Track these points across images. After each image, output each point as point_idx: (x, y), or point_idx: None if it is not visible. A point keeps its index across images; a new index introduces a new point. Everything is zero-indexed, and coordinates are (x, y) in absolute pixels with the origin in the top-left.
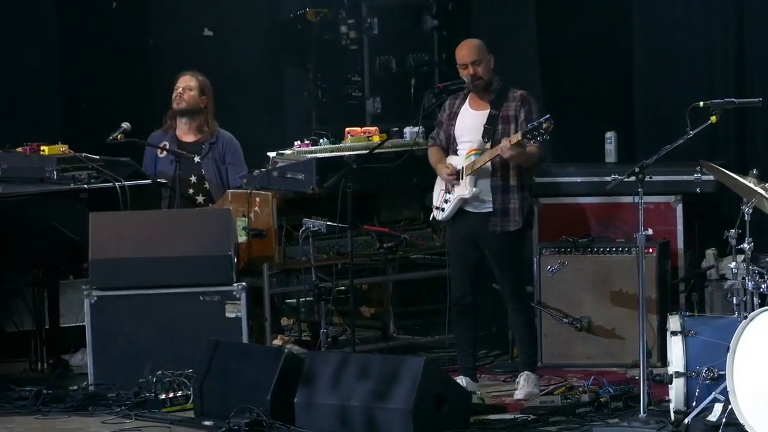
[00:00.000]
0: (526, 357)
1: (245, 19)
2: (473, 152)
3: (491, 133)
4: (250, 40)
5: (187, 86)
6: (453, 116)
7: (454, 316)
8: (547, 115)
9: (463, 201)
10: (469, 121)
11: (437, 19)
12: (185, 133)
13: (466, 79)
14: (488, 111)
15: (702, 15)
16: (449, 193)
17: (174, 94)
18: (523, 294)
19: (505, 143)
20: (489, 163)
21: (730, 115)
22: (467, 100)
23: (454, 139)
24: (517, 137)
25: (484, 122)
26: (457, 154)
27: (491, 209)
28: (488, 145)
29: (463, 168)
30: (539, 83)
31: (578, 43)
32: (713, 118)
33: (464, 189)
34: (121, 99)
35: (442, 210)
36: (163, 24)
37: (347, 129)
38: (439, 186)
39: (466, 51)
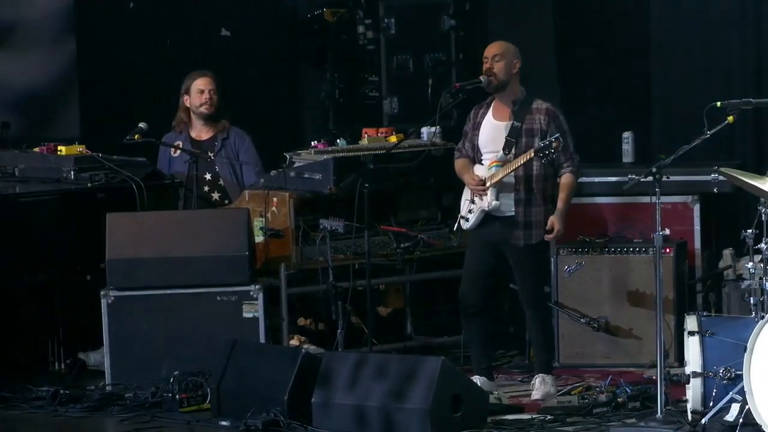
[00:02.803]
0: (541, 361)
1: (262, 19)
2: (494, 164)
3: (513, 145)
4: (268, 40)
5: (212, 89)
6: (477, 126)
7: (463, 322)
8: (557, 134)
9: (485, 213)
10: (492, 132)
11: (454, 19)
12: (200, 132)
13: (483, 79)
14: (510, 122)
15: (720, 15)
16: (473, 203)
17: (201, 99)
18: (541, 300)
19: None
20: (512, 175)
21: (747, 115)
22: (491, 110)
23: (478, 149)
24: (529, 155)
25: (506, 134)
26: (482, 164)
27: (513, 213)
28: (510, 157)
29: (485, 179)
30: (557, 84)
31: (596, 44)
32: (730, 118)
33: (486, 201)
34: (138, 99)
35: (467, 220)
36: (180, 24)
37: (364, 129)
38: (465, 196)
39: (492, 46)
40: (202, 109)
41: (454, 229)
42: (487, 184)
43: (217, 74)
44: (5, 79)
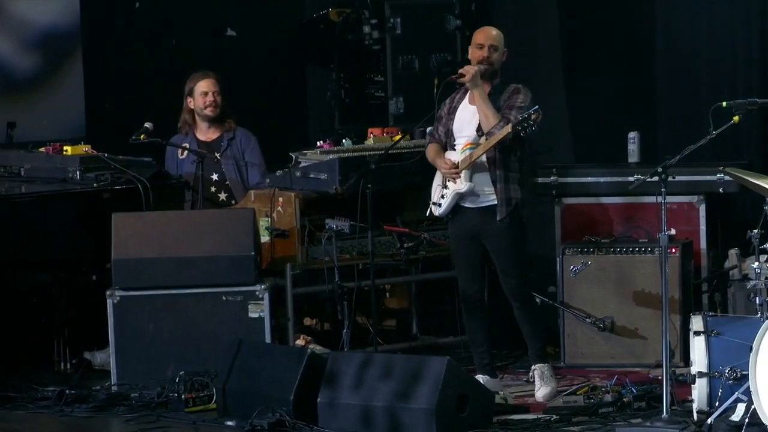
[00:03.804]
0: (534, 351)
1: (268, 18)
2: (468, 146)
3: None
4: (273, 39)
5: (215, 90)
6: (452, 110)
7: (464, 313)
8: (536, 106)
9: (460, 196)
10: (466, 116)
11: (460, 19)
12: (206, 133)
13: (480, 68)
14: None
15: (726, 14)
16: (446, 188)
17: (204, 101)
18: (526, 292)
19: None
20: (484, 156)
21: (753, 115)
22: (467, 95)
23: (452, 134)
24: (507, 129)
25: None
26: (453, 149)
27: (489, 203)
28: (482, 140)
29: (458, 163)
30: (562, 83)
31: (601, 44)
32: (736, 118)
33: (460, 184)
34: (144, 99)
35: (439, 206)
36: (186, 24)
37: (370, 129)
38: (436, 182)
39: (487, 33)
40: (207, 112)
41: (427, 215)
42: (461, 167)
43: (222, 74)
44: (11, 78)
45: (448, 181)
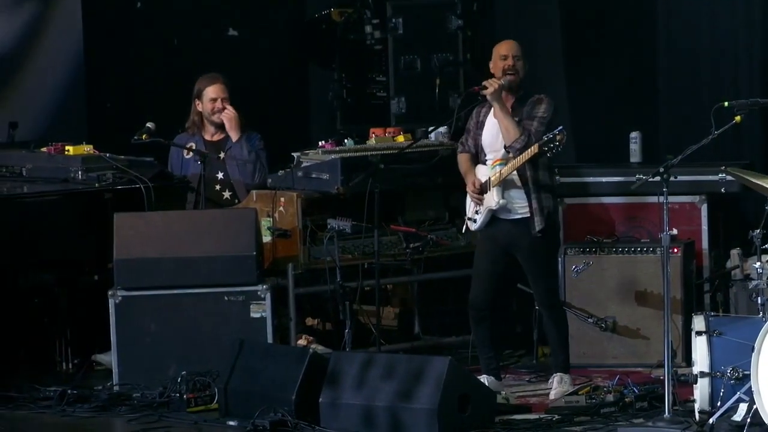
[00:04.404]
0: (558, 361)
1: (270, 19)
2: (498, 162)
3: None
4: (275, 39)
5: (224, 97)
6: (480, 125)
7: (472, 323)
8: (560, 127)
9: (493, 212)
10: (495, 130)
11: (462, 19)
12: (213, 134)
13: (504, 81)
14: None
15: (727, 14)
16: (479, 204)
17: (212, 107)
18: (555, 300)
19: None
20: (515, 172)
21: (755, 115)
22: (492, 109)
23: (482, 149)
24: (534, 149)
25: None
26: (485, 164)
27: (522, 215)
28: (510, 155)
29: (489, 180)
30: (564, 83)
31: (603, 43)
32: (738, 118)
33: (491, 200)
34: (145, 99)
35: (475, 221)
36: (187, 24)
37: (371, 129)
38: (470, 197)
39: (510, 44)
40: (214, 118)
41: (463, 231)
42: (491, 185)
43: (225, 75)
44: (13, 78)
45: (480, 200)
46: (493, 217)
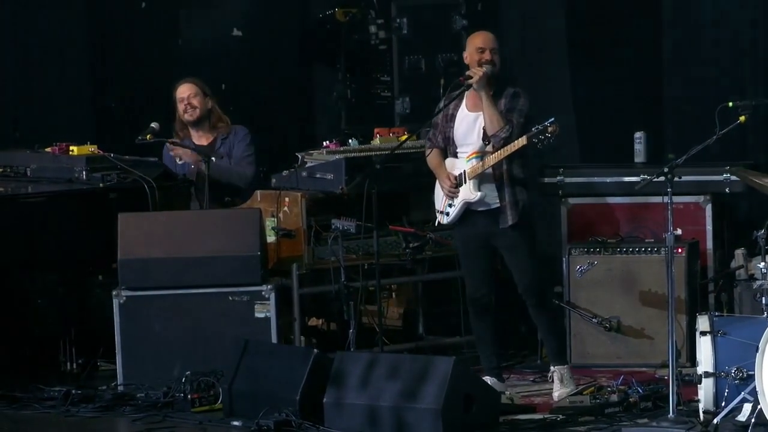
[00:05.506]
0: (551, 350)
1: (274, 19)
2: (474, 155)
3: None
4: (279, 40)
5: (190, 94)
6: (451, 118)
7: (472, 316)
8: (552, 118)
9: (469, 204)
10: (468, 123)
11: (466, 19)
12: (199, 138)
13: (486, 69)
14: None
15: (732, 14)
16: (454, 197)
17: (180, 107)
18: (541, 291)
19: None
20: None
21: (759, 115)
22: (464, 101)
23: (453, 141)
24: (522, 141)
25: (483, 124)
26: (456, 157)
27: (497, 205)
28: (489, 148)
29: (465, 172)
30: (569, 83)
31: (608, 43)
32: (742, 118)
33: (469, 193)
34: (150, 99)
35: (447, 214)
36: (192, 24)
37: (376, 129)
38: (440, 190)
39: (486, 36)
40: (186, 117)
41: (436, 224)
42: (468, 177)
43: (228, 75)
44: (17, 78)
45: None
46: (467, 210)
